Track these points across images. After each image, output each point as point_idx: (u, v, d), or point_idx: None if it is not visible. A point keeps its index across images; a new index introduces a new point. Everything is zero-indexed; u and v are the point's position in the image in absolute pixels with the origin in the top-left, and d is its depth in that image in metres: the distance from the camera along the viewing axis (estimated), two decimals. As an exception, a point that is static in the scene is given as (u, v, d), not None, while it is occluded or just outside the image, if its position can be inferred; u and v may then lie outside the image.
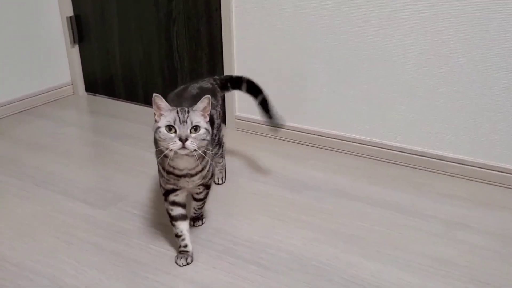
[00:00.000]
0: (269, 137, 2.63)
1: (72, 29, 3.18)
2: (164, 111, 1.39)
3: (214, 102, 1.72)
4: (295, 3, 2.32)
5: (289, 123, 2.55)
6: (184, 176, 1.49)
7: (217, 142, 1.88)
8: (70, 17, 3.16)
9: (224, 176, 2.16)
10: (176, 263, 1.62)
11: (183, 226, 1.61)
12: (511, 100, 2.00)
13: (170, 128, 1.35)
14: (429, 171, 2.25)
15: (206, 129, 1.39)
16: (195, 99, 1.48)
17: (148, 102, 3.11)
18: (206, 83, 1.84)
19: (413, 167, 2.28)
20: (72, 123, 2.91)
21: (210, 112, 1.45)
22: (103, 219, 1.91)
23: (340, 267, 1.62)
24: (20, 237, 1.79)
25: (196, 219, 1.82)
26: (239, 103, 2.69)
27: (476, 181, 2.16)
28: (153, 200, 2.03)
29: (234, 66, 2.60)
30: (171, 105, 1.43)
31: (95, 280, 1.57)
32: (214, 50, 2.70)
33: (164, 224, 1.82)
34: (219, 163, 2.10)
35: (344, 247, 1.72)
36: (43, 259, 1.67)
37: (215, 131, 1.74)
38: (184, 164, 1.45)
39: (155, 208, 1.97)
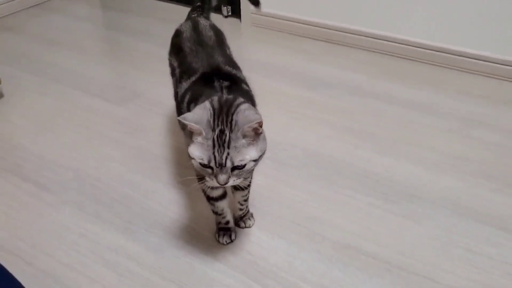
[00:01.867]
0: (286, 32, 2.56)
1: None
2: (196, 131, 1.05)
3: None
4: None
5: (306, 18, 2.47)
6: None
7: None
8: None
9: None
10: (218, 241, 1.38)
11: (223, 205, 1.34)
12: (541, -8, 1.90)
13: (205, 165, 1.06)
14: (448, 67, 2.20)
15: (254, 160, 1.09)
16: (220, 44, 1.39)
17: (160, -4, 3.02)
18: (205, 19, 1.58)
19: (432, 64, 2.23)
20: (85, 18, 2.85)
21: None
22: (121, 115, 1.94)
23: (354, 162, 1.65)
24: (41, 132, 1.85)
25: (244, 219, 1.44)
26: (255, -4, 2.58)
27: (496, 78, 2.11)
28: (169, 97, 2.04)
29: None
30: (190, 55, 1.33)
31: (117, 172, 1.63)
32: None
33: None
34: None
35: (358, 143, 1.74)
36: (66, 152, 1.73)
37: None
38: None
39: (172, 105, 1.98)
